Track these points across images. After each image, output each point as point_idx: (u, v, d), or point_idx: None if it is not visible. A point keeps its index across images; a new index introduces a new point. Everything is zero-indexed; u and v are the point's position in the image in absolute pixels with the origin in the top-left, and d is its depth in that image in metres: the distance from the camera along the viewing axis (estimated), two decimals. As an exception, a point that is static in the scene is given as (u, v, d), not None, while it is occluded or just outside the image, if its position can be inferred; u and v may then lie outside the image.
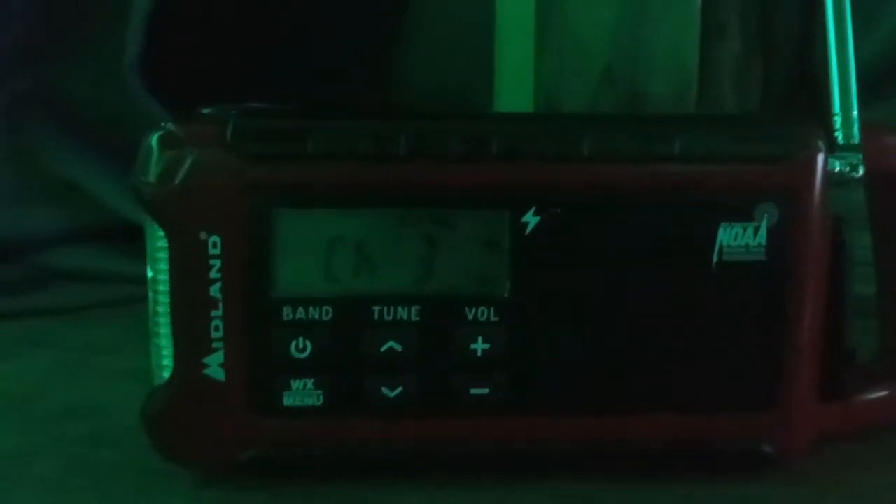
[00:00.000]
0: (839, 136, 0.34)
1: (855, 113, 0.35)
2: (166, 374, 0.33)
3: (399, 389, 0.33)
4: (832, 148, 0.34)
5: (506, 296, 0.33)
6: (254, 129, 0.32)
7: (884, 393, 0.37)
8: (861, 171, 0.34)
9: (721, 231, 0.33)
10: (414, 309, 0.33)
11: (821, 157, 0.33)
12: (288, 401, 0.33)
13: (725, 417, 0.34)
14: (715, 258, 0.33)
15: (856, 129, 0.35)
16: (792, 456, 0.35)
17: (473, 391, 0.33)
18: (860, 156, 0.34)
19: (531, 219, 0.33)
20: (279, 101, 0.35)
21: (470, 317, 0.33)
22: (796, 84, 0.54)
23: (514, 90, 0.43)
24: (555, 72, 0.42)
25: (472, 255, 0.33)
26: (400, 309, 0.33)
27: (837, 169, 0.34)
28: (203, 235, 0.32)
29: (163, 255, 0.32)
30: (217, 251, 0.32)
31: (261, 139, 0.32)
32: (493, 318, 0.33)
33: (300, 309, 0.33)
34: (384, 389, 0.33)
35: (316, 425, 0.33)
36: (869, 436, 0.37)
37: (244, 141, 0.32)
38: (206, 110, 0.34)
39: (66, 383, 0.45)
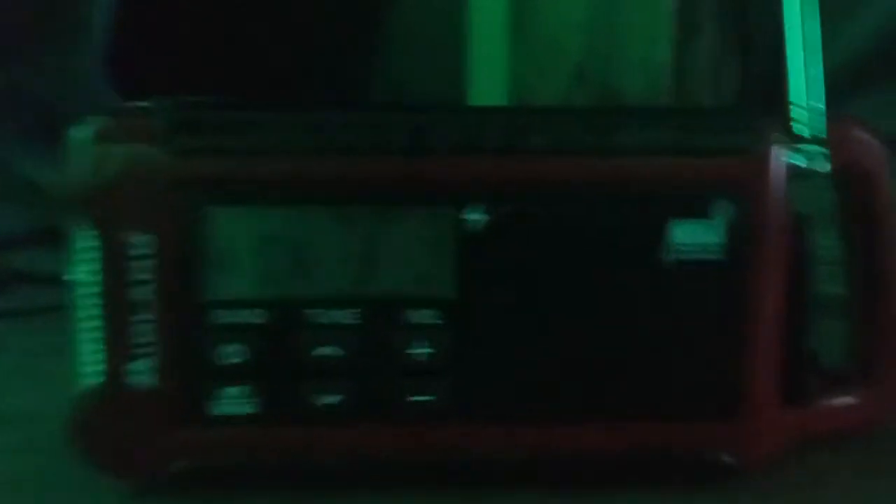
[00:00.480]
0: (803, 129, 0.33)
1: (821, 105, 0.33)
2: (90, 381, 0.31)
3: (338, 396, 0.32)
4: (795, 141, 0.32)
5: (450, 298, 0.31)
6: (186, 124, 0.31)
7: (851, 398, 0.35)
8: (827, 166, 0.33)
9: (676, 229, 0.31)
10: (354, 312, 0.31)
11: (778, 151, 0.31)
12: (221, 409, 0.32)
13: (682, 426, 0.32)
14: (670, 257, 0.31)
15: (820, 122, 0.33)
16: (754, 465, 0.33)
17: (417, 398, 0.32)
18: (826, 150, 0.33)
19: (476, 216, 0.31)
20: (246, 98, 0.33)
21: (413, 320, 0.32)
22: (773, 82, 0.53)
23: (487, 89, 0.43)
24: (528, 71, 0.41)
25: (416, 255, 0.31)
26: (339, 312, 0.31)
27: (802, 164, 0.32)
28: (132, 234, 0.31)
29: (87, 255, 0.31)
30: (147, 251, 0.31)
31: (193, 134, 0.31)
32: (437, 322, 0.32)
33: (234, 312, 0.31)
34: (322, 396, 0.32)
35: (251, 434, 0.32)
36: (838, 443, 0.36)
37: (175, 135, 0.31)
38: (138, 104, 0.32)
39: (11, 388, 0.43)
